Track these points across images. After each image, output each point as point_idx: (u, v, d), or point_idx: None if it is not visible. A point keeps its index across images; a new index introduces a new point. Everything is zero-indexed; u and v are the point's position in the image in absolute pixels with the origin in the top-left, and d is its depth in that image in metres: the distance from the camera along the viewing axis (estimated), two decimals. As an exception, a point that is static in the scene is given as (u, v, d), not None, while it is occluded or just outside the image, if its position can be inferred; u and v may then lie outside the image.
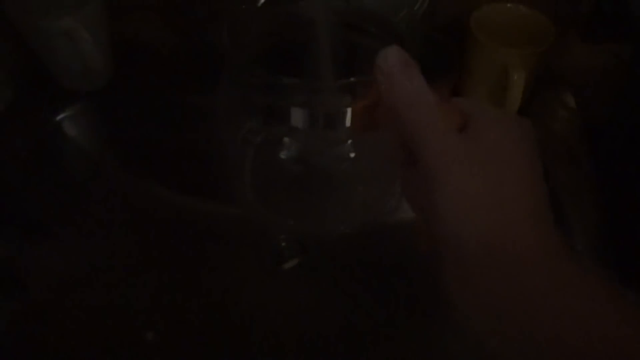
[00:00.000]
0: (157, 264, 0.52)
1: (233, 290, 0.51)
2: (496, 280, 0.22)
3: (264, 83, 0.37)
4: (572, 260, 0.22)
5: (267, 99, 0.37)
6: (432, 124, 0.24)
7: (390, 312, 0.49)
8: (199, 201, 0.56)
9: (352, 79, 0.34)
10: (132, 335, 0.48)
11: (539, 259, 0.22)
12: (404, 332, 0.48)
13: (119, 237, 0.53)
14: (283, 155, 0.45)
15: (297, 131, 0.41)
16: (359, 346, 0.48)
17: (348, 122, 0.36)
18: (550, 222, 0.24)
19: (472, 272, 0.23)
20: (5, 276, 0.46)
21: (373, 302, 0.50)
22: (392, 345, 0.48)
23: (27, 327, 0.47)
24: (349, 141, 0.44)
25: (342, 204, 0.48)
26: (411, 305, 0.49)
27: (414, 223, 0.56)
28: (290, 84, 0.35)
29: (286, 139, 0.44)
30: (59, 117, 0.54)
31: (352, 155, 0.44)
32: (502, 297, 0.22)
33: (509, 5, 0.48)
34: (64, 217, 0.53)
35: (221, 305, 0.50)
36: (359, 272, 0.52)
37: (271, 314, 0.50)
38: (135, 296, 0.50)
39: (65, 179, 0.55)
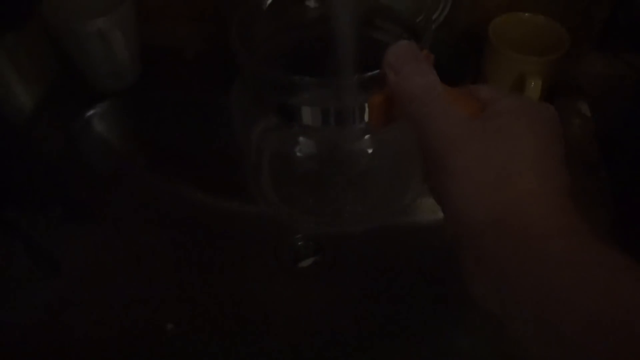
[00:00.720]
0: (178, 260, 0.54)
1: (250, 287, 0.52)
2: (507, 253, 0.22)
3: (275, 82, 0.36)
4: (586, 233, 0.22)
5: (278, 98, 0.36)
6: (440, 113, 0.24)
7: (405, 312, 0.49)
8: (220, 200, 0.57)
9: (362, 75, 0.33)
10: (153, 326, 0.49)
11: (550, 230, 0.22)
12: (419, 332, 0.48)
13: (142, 232, 0.55)
14: (299, 152, 0.44)
15: (310, 129, 0.42)
16: (374, 345, 0.48)
17: (362, 119, 0.36)
18: (565, 199, 0.23)
19: (485, 248, 0.23)
20: (45, 258, 0.48)
21: (389, 302, 0.50)
22: (407, 345, 0.48)
23: (59, 313, 0.48)
24: (366, 137, 0.43)
25: (361, 200, 0.48)
26: (427, 305, 0.49)
27: (430, 224, 0.56)
28: (300, 81, 0.35)
29: (301, 138, 0.44)
30: (87, 114, 0.56)
31: (370, 151, 0.44)
32: (514, 270, 0.22)
33: (526, 14, 0.49)
34: (90, 210, 0.55)
35: (238, 302, 0.51)
36: (375, 271, 0.53)
37: (287, 311, 0.51)
38: (157, 289, 0.51)
39: (92, 173, 0.57)
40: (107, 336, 0.48)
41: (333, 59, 0.38)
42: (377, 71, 0.32)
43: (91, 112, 0.56)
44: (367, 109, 0.35)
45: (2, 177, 0.49)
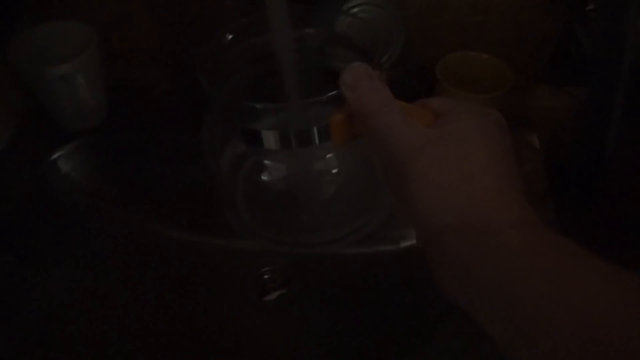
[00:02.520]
0: (147, 296, 0.54)
1: (217, 320, 0.53)
2: (469, 249, 0.23)
3: (236, 108, 0.38)
4: (539, 227, 0.23)
5: (241, 124, 0.38)
6: (397, 124, 0.26)
7: (373, 343, 0.50)
8: (187, 234, 0.58)
9: (316, 98, 0.35)
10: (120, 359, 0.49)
11: (506, 225, 0.23)
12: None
13: (111, 270, 0.56)
14: (265, 176, 0.46)
15: (274, 152, 0.43)
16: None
17: (324, 139, 0.37)
18: (518, 194, 0.25)
19: (448, 246, 0.24)
20: (1, 304, 0.49)
21: (356, 334, 0.51)
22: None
23: (20, 357, 0.48)
24: (328, 156, 0.45)
25: (330, 218, 0.49)
26: (395, 335, 0.50)
27: (394, 254, 0.57)
28: (259, 107, 0.37)
29: (266, 161, 0.46)
30: (56, 155, 0.57)
31: (335, 170, 0.46)
32: (476, 265, 0.23)
33: (471, 53, 0.51)
34: (59, 250, 0.55)
35: (205, 335, 0.52)
36: (342, 303, 0.53)
37: (254, 344, 0.52)
38: (125, 326, 0.52)
39: (61, 213, 0.57)
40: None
41: (285, 86, 0.40)
42: (332, 93, 0.34)
43: (59, 152, 0.57)
44: (319, 131, 0.36)
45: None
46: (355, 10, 0.51)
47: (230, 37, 0.43)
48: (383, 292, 0.54)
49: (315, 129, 0.37)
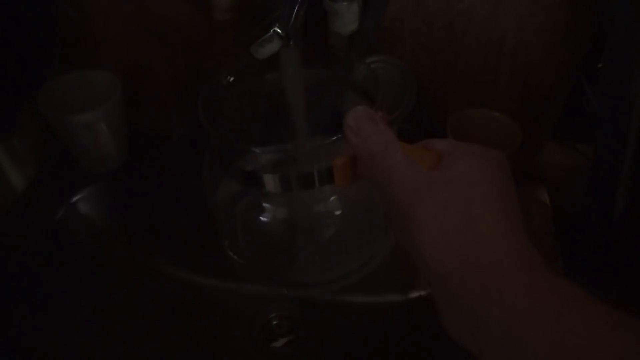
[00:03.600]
0: (156, 339, 0.55)
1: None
2: (475, 293, 0.23)
3: (236, 151, 0.38)
4: (545, 269, 0.23)
5: (241, 167, 0.38)
6: (401, 167, 0.26)
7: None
8: (200, 277, 0.59)
9: (319, 142, 0.36)
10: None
11: (512, 267, 0.23)
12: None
13: (123, 312, 0.57)
14: (264, 218, 0.46)
15: (275, 195, 0.43)
16: None
17: (326, 181, 0.37)
18: (523, 236, 0.24)
19: (454, 290, 0.24)
20: (12, 348, 0.49)
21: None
22: None
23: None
24: (332, 199, 0.45)
25: (328, 260, 0.48)
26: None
27: (401, 302, 0.57)
28: (261, 151, 0.37)
29: (265, 204, 0.45)
30: (75, 197, 0.59)
31: (338, 212, 0.45)
32: (481, 308, 0.23)
33: (481, 110, 0.53)
34: (73, 293, 0.56)
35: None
36: (349, 351, 0.53)
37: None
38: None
39: (78, 255, 0.59)
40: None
41: (286, 129, 0.40)
42: (335, 137, 0.35)
43: (79, 195, 0.59)
44: (320, 174, 0.37)
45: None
46: (372, 65, 0.53)
47: (231, 79, 0.44)
48: (390, 341, 0.53)
49: (316, 172, 0.37)
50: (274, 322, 0.56)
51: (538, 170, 0.56)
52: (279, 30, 0.35)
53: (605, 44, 0.44)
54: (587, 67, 0.52)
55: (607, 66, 0.48)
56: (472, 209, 0.24)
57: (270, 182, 0.38)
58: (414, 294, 0.55)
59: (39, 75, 0.55)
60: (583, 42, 0.48)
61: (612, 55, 0.44)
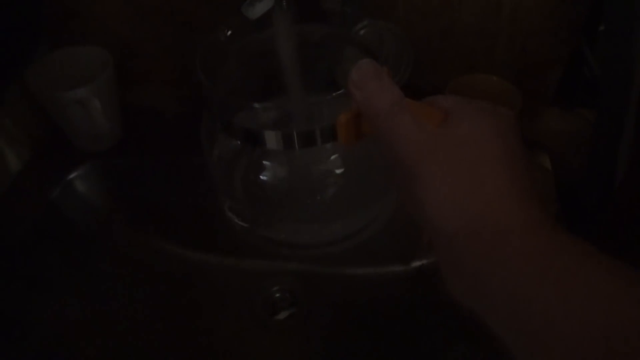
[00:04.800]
0: (156, 315, 0.55)
1: (226, 340, 0.53)
2: (480, 254, 0.22)
3: (237, 109, 0.37)
4: (553, 229, 0.23)
5: (242, 124, 0.37)
6: (407, 125, 0.25)
7: None
8: (199, 254, 0.59)
9: (320, 98, 0.35)
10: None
11: (519, 227, 0.22)
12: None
13: (121, 289, 0.56)
14: (265, 177, 0.45)
15: (276, 153, 0.42)
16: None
17: (327, 139, 0.36)
18: (531, 196, 0.24)
19: (459, 250, 0.23)
20: (9, 326, 0.49)
21: (366, 355, 0.51)
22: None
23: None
24: (333, 157, 0.44)
25: (334, 221, 0.48)
26: (404, 355, 0.50)
27: (402, 274, 0.57)
28: (261, 107, 0.36)
29: (265, 162, 0.45)
30: (71, 175, 0.58)
31: (340, 171, 0.45)
32: (487, 269, 0.22)
33: (480, 75, 0.52)
34: (70, 271, 0.56)
35: (214, 354, 0.52)
36: (352, 323, 0.53)
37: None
38: (135, 346, 0.52)
39: (74, 233, 0.58)
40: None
41: (287, 85, 0.39)
42: (337, 93, 0.33)
43: (74, 173, 0.58)
44: (321, 132, 0.35)
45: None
46: (362, 32, 0.52)
47: (229, 32, 0.42)
48: (392, 312, 0.54)
49: (318, 129, 0.36)
50: (277, 295, 0.57)
51: (539, 137, 0.55)
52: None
53: (606, 5, 0.43)
54: (587, 30, 0.51)
55: (608, 29, 0.47)
56: (479, 169, 0.24)
57: (271, 139, 0.37)
58: (415, 264, 0.55)
59: (26, 51, 0.54)
60: (583, 4, 0.47)
61: (613, 17, 0.43)
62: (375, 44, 0.40)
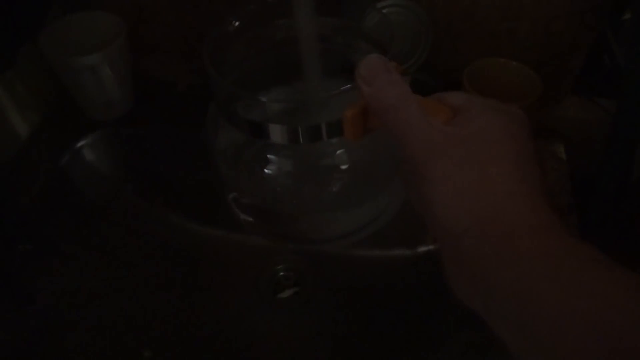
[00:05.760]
0: (161, 287, 0.55)
1: (230, 317, 0.53)
2: (487, 254, 0.22)
3: (243, 101, 0.37)
4: (561, 231, 0.22)
5: (248, 116, 0.36)
6: (416, 121, 0.24)
7: (385, 343, 0.50)
8: (205, 228, 0.59)
9: (328, 92, 0.34)
10: (131, 352, 0.50)
11: (527, 229, 0.22)
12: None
13: (127, 259, 0.57)
14: (269, 170, 0.45)
15: (280, 147, 0.41)
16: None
17: (333, 134, 0.35)
18: (540, 197, 0.24)
19: (465, 250, 0.23)
20: (17, 290, 0.49)
21: (368, 335, 0.51)
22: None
23: (32, 340, 0.49)
24: (339, 152, 0.43)
25: (339, 217, 0.48)
26: (407, 336, 0.50)
27: (407, 256, 0.57)
28: (267, 100, 0.35)
29: (270, 156, 0.44)
30: (80, 143, 0.58)
31: (345, 167, 0.44)
32: (493, 270, 0.22)
33: (500, 60, 0.50)
34: (77, 238, 0.56)
35: (218, 331, 0.52)
36: (355, 303, 0.53)
37: (267, 341, 0.52)
38: (138, 316, 0.53)
39: (82, 201, 0.58)
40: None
41: (301, 77, 0.38)
42: (345, 87, 0.33)
43: (83, 141, 0.58)
44: (328, 127, 0.35)
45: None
46: (384, 10, 0.50)
47: (237, 23, 0.41)
48: (396, 295, 0.53)
49: (324, 124, 0.35)
50: (281, 274, 0.57)
51: (555, 125, 0.54)
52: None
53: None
54: (612, 18, 0.49)
55: (635, 17, 0.46)
56: (488, 168, 0.23)
57: (276, 132, 0.36)
58: (421, 249, 0.54)
59: (39, 13, 0.53)
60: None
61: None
62: (385, 36, 0.39)
